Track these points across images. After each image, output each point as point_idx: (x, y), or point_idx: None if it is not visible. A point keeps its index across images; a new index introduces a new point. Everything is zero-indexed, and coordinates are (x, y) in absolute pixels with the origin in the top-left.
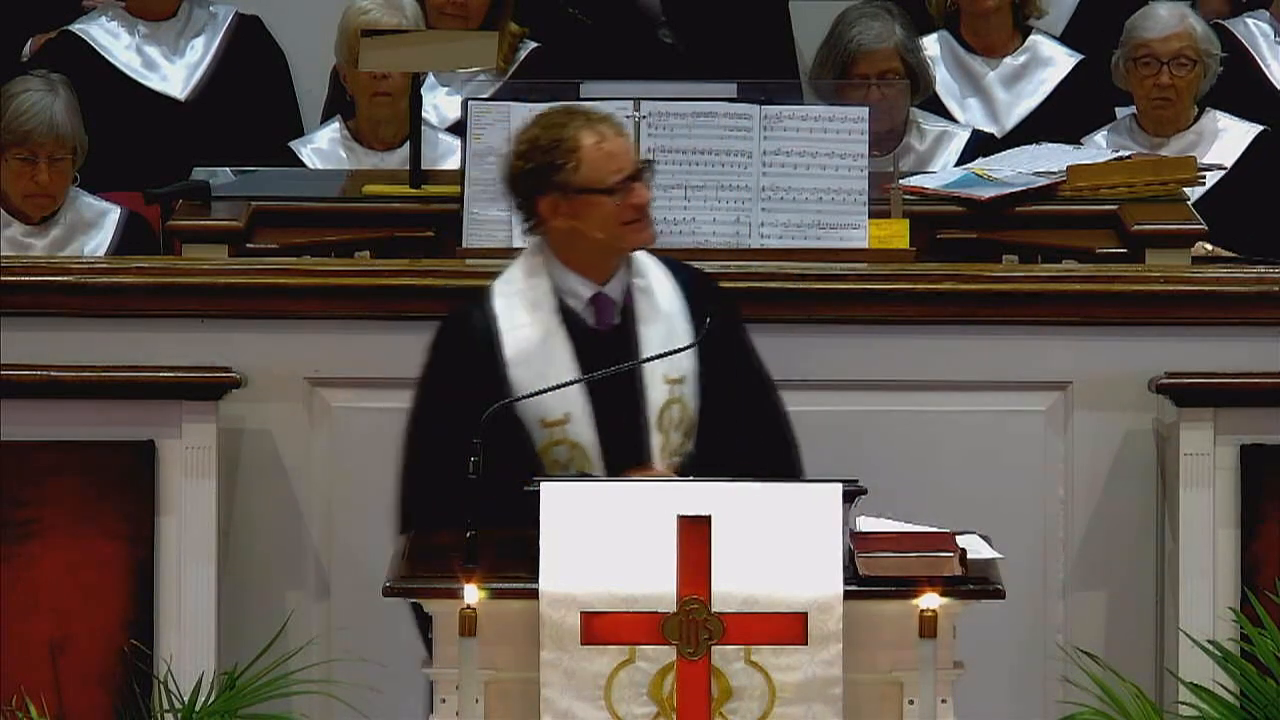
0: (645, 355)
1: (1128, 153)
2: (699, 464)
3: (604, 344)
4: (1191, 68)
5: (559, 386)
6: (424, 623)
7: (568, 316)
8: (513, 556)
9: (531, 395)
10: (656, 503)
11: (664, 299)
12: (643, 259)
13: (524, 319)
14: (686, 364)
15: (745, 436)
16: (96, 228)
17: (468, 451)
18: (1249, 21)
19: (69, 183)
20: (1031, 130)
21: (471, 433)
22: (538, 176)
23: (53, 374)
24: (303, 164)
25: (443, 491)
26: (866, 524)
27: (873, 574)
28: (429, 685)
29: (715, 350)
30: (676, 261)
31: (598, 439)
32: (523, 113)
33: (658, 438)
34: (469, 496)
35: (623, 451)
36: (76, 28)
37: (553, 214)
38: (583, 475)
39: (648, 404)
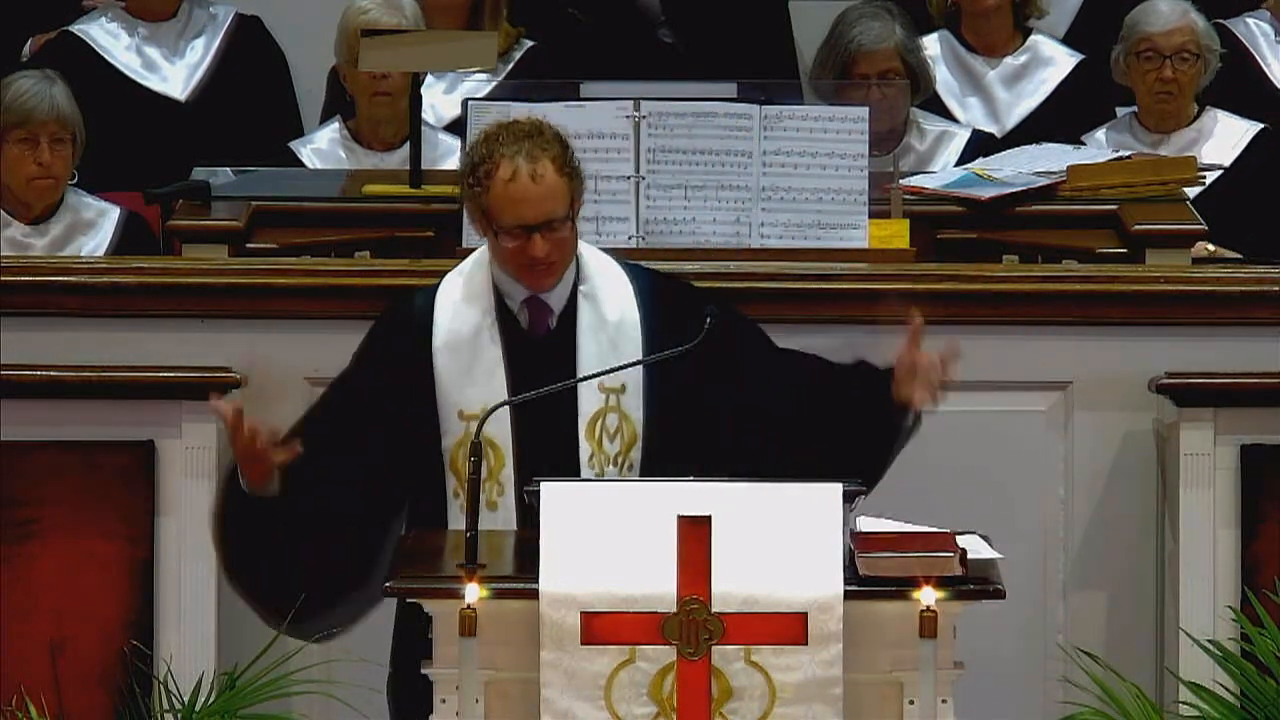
0: (581, 364)
1: (1128, 152)
2: (646, 474)
3: (537, 349)
4: (1194, 62)
5: (503, 403)
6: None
7: (503, 315)
8: (512, 556)
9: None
10: (656, 503)
11: (611, 307)
12: (596, 263)
13: (461, 310)
14: (627, 373)
15: (711, 448)
16: (96, 228)
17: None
18: (1249, 21)
19: (70, 168)
20: (1032, 130)
21: (373, 417)
22: (461, 184)
23: (53, 374)
24: (303, 164)
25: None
26: (866, 524)
27: (873, 574)
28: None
29: (669, 360)
30: (637, 267)
31: (513, 439)
32: (523, 112)
33: (587, 446)
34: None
35: (544, 456)
36: (76, 28)
37: (471, 222)
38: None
39: (579, 411)
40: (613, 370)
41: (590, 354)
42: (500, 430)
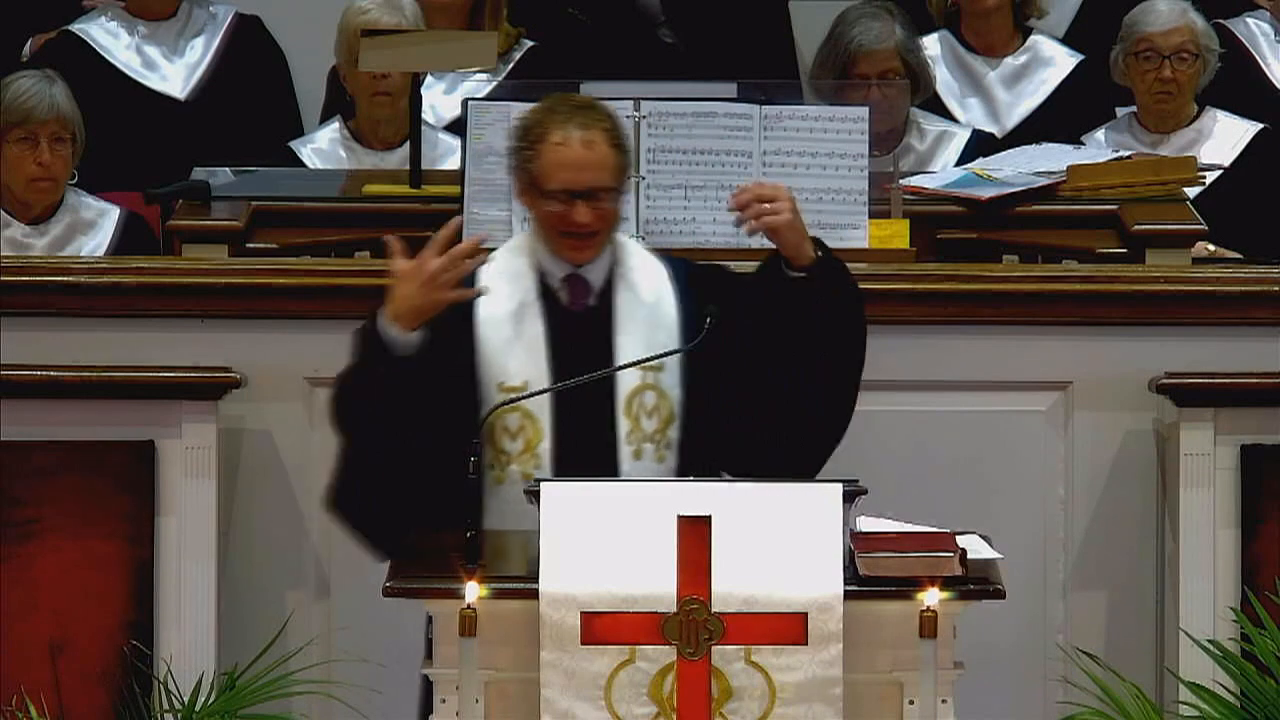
0: (619, 340)
1: (1128, 152)
2: (684, 453)
3: (578, 324)
4: (1193, 62)
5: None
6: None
7: (545, 292)
8: (512, 556)
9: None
10: (656, 503)
11: (647, 289)
12: (631, 249)
13: (503, 286)
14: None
15: (744, 426)
16: (96, 228)
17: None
18: (1249, 21)
19: (70, 168)
20: (1032, 130)
21: (418, 381)
22: (512, 154)
23: (53, 374)
24: (303, 164)
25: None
26: (866, 524)
27: (873, 574)
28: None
29: (706, 339)
30: (671, 256)
31: (552, 415)
32: (523, 113)
33: (625, 422)
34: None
35: (581, 432)
36: (76, 28)
37: (518, 194)
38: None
39: (616, 387)
40: (618, 369)
41: (628, 331)
42: (539, 405)
